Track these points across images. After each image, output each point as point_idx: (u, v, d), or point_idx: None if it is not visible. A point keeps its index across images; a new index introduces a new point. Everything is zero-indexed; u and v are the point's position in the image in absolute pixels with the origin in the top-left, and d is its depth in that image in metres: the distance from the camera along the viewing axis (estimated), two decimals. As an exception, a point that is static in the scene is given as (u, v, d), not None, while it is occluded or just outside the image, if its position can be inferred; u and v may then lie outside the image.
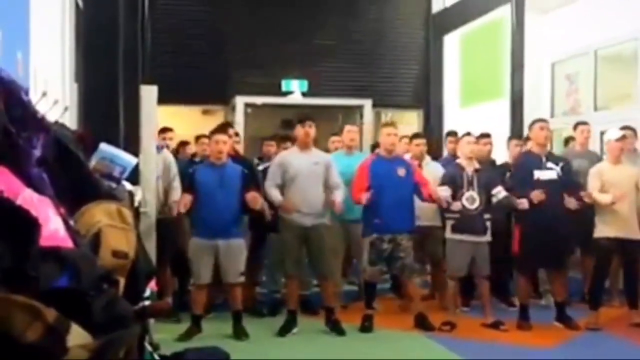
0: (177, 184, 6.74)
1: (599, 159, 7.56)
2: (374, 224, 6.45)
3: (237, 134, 7.80)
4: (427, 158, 7.56)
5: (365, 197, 6.34)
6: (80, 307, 1.21)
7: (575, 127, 7.81)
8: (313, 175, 6.41)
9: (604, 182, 6.54)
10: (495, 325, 6.56)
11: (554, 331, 6.49)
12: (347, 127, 7.64)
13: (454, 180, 6.59)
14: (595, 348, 5.97)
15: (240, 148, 8.23)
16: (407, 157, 7.24)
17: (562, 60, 10.26)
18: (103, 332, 1.19)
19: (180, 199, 6.35)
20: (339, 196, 6.45)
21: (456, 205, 6.51)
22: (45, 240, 1.51)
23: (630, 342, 6.11)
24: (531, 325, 6.55)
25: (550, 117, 9.50)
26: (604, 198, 6.44)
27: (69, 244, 1.70)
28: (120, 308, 1.30)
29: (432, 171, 7.20)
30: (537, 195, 6.33)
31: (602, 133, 8.54)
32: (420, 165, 7.13)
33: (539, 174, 6.50)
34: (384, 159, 6.64)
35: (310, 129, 6.50)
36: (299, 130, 6.53)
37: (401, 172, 6.55)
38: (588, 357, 5.72)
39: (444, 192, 6.55)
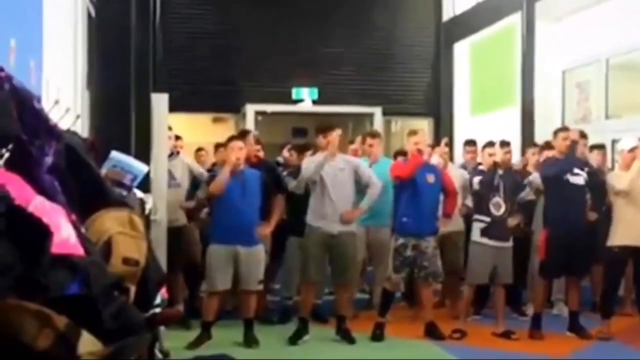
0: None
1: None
2: (402, 223, 6.45)
3: (259, 142, 7.78)
4: (450, 164, 7.57)
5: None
6: (91, 315, 1.21)
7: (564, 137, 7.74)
8: (339, 182, 6.38)
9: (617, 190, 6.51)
10: (506, 335, 6.52)
11: (565, 340, 6.44)
12: (369, 141, 7.52)
13: (490, 186, 6.58)
14: (606, 357, 5.93)
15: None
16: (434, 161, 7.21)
17: (573, 68, 10.22)
18: (113, 339, 1.19)
19: (213, 187, 6.26)
20: (365, 202, 6.47)
21: (512, 221, 6.60)
22: (56, 248, 1.52)
23: (641, 351, 6.07)
24: (543, 335, 6.52)
25: (562, 125, 9.46)
26: (633, 170, 6.40)
27: (80, 251, 1.70)
28: (130, 316, 1.30)
29: (456, 176, 7.19)
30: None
31: (613, 141, 8.50)
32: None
33: (570, 179, 6.51)
34: None
35: (333, 139, 6.48)
36: (321, 141, 6.50)
37: (430, 178, 6.55)
38: (600, 366, 5.69)
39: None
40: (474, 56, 12.01)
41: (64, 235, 1.70)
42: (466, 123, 11.75)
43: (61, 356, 1.11)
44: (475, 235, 6.64)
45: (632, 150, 6.57)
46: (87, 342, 1.14)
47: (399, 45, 12.17)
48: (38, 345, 1.14)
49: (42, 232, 1.38)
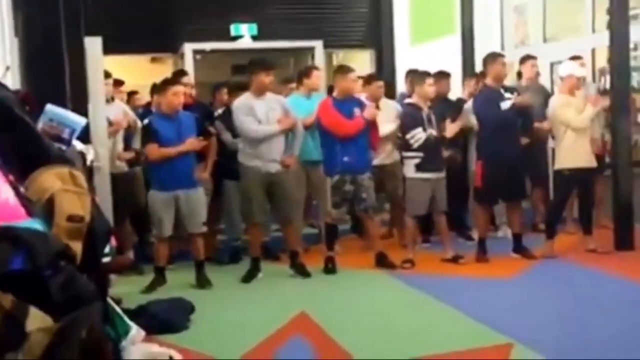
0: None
1: (546, 91, 7.66)
2: (342, 162, 6.44)
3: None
4: (383, 98, 7.55)
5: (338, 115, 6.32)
6: (38, 288, 1.17)
7: (523, 61, 7.83)
8: (271, 122, 6.35)
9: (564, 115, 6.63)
10: (455, 259, 6.69)
11: (512, 262, 6.64)
12: (315, 72, 7.41)
13: (416, 122, 6.59)
14: (552, 275, 6.15)
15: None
16: (363, 97, 7.18)
17: (511, -8, 10.26)
18: (63, 311, 1.15)
19: (151, 153, 6.20)
20: (296, 147, 6.49)
21: (420, 136, 6.52)
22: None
23: (585, 267, 6.30)
24: (488, 258, 6.70)
25: (501, 50, 9.52)
26: (588, 110, 6.52)
27: (21, 212, 1.65)
28: (80, 285, 1.27)
29: (390, 110, 7.21)
30: (524, 99, 6.53)
31: (551, 64, 8.62)
32: (378, 107, 7.08)
33: (503, 106, 6.58)
34: (340, 101, 6.60)
35: (270, 77, 6.39)
36: (263, 77, 6.34)
37: (358, 112, 6.55)
38: (546, 284, 5.90)
39: (420, 134, 6.55)
40: (413, -16, 11.91)
41: (3, 197, 1.64)
42: (408, 53, 11.70)
43: (9, 335, 1.08)
44: (410, 171, 6.68)
45: (570, 77, 6.67)
46: (36, 319, 1.11)
47: (336, -25, 11.95)
48: (-15, 327, 1.10)
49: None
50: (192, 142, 6.11)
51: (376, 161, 6.96)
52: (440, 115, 6.76)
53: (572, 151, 6.58)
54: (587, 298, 5.39)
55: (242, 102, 6.43)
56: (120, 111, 6.91)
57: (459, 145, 7.32)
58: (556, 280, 6.01)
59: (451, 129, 6.68)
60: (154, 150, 6.14)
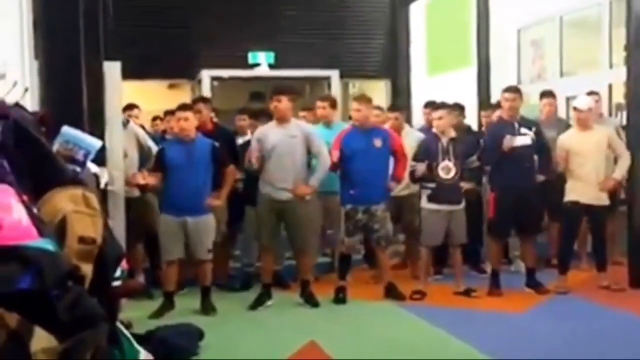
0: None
1: (567, 126, 7.61)
2: (349, 195, 6.45)
3: (213, 109, 7.74)
4: (407, 127, 7.56)
5: (334, 155, 6.36)
6: (45, 308, 1.16)
7: (541, 97, 7.83)
8: (289, 149, 6.32)
9: (569, 149, 6.63)
10: (467, 293, 6.63)
11: (524, 296, 6.57)
12: (319, 103, 7.47)
13: (429, 152, 6.59)
14: (564, 311, 6.07)
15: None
16: (386, 126, 7.18)
17: (528, 26, 10.29)
18: (69, 332, 1.15)
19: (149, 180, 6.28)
20: (315, 178, 6.40)
21: (420, 170, 6.52)
22: (8, 230, 1.47)
23: (598, 304, 6.21)
24: (502, 292, 6.64)
25: (517, 84, 9.53)
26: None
27: (33, 233, 1.65)
28: (87, 306, 1.26)
29: (413, 139, 7.20)
30: (506, 143, 6.38)
31: (568, 99, 8.60)
32: (400, 136, 7.07)
33: (512, 141, 6.54)
34: (360, 130, 6.60)
35: (280, 104, 6.35)
36: (275, 104, 6.37)
37: (377, 142, 6.53)
38: (558, 320, 5.82)
39: (412, 167, 6.58)
40: (430, 16, 11.99)
41: (15, 217, 1.64)
42: (423, 84, 11.75)
43: (14, 355, 1.07)
44: (423, 201, 6.67)
45: (581, 111, 6.65)
46: (41, 339, 1.10)
47: (354, 6, 12.06)
48: (-11, 345, 1.09)
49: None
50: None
51: (394, 192, 6.94)
52: (463, 148, 6.69)
53: (578, 185, 6.59)
54: (599, 334, 5.32)
55: (259, 131, 6.50)
56: (131, 137, 6.89)
57: (477, 178, 7.27)
58: (568, 315, 5.93)
59: (465, 186, 6.70)
60: (152, 179, 6.22)
